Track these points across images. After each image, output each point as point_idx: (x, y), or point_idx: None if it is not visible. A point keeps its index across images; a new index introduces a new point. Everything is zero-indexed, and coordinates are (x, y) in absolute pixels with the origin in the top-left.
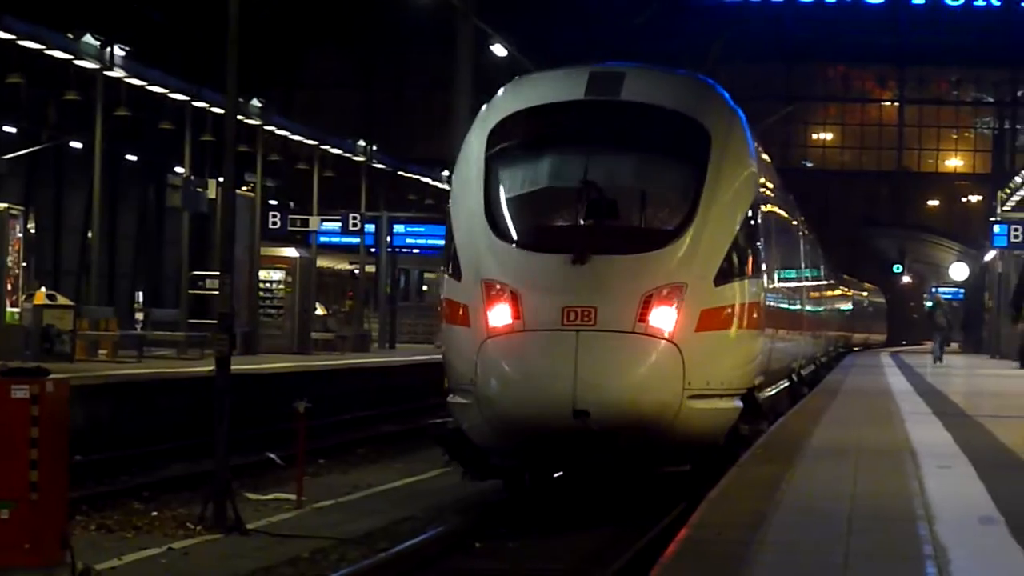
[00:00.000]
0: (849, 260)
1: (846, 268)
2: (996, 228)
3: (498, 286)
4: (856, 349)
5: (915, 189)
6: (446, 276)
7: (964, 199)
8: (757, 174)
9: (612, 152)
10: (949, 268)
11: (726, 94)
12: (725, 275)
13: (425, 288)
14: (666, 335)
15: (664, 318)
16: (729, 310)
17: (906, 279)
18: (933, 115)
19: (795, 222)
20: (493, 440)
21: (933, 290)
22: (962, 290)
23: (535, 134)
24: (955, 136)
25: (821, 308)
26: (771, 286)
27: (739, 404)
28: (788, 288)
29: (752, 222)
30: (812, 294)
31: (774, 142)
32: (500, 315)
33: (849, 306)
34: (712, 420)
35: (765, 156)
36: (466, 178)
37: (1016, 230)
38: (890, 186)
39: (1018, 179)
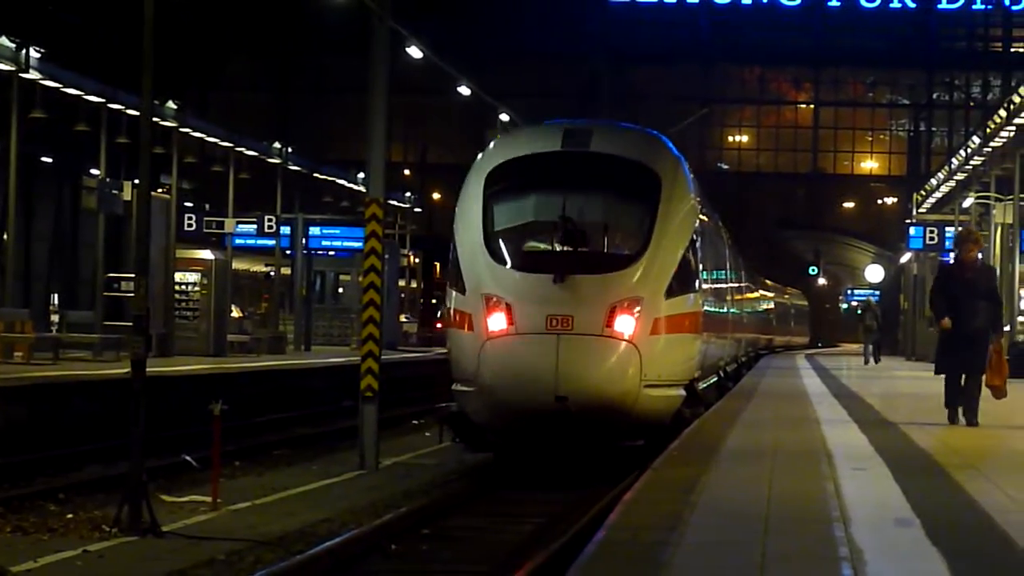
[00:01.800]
0: (766, 262)
1: (763, 270)
2: (911, 230)
3: (495, 299)
4: (778, 350)
5: (831, 191)
6: (452, 291)
7: (880, 201)
8: (696, 208)
9: (584, 193)
10: (865, 270)
11: (671, 144)
12: (672, 290)
13: (341, 290)
14: (627, 337)
15: (626, 324)
16: (676, 318)
17: (822, 281)
18: (849, 117)
19: (723, 239)
20: (490, 420)
21: (849, 292)
22: (878, 292)
23: (523, 178)
24: (870, 138)
25: (745, 313)
26: (707, 298)
27: (683, 392)
28: (719, 298)
29: (693, 247)
30: (738, 301)
31: (690, 145)
32: (497, 322)
33: (770, 309)
34: (662, 405)
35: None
36: (468, 213)
37: (931, 232)
38: (806, 188)
39: (933, 181)
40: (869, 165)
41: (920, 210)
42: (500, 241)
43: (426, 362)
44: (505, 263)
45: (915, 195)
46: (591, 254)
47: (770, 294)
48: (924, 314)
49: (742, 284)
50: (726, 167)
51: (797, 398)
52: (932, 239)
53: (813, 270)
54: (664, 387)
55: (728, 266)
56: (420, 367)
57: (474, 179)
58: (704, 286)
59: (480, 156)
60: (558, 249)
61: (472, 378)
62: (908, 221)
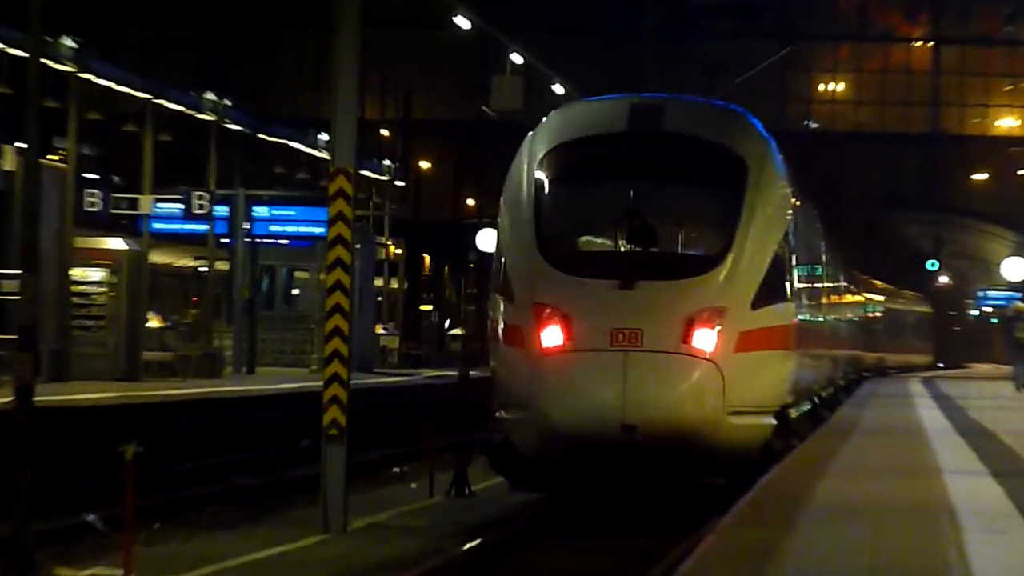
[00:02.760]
0: (867, 252)
1: (863, 264)
2: None
3: (550, 309)
4: (891, 372)
5: (956, 159)
6: (499, 299)
7: (1020, 171)
8: (789, 199)
9: (655, 182)
10: (1000, 265)
11: (759, 123)
12: (761, 299)
13: (296, 292)
14: (707, 355)
15: (705, 340)
16: (765, 332)
17: (943, 279)
18: (980, 59)
19: (818, 232)
20: (544, 452)
21: (981, 294)
22: (1017, 294)
23: (582, 164)
24: (1009, 87)
25: (847, 324)
26: (801, 308)
27: (773, 421)
28: (816, 307)
29: (785, 248)
30: (837, 309)
31: (766, 97)
32: (553, 336)
33: (878, 318)
34: (748, 435)
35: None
36: (517, 205)
37: None
38: (922, 154)
39: None
40: (1007, 124)
41: None
42: (556, 241)
43: (412, 389)
44: (562, 267)
45: None
46: (664, 256)
47: (878, 298)
48: None
49: (843, 287)
50: (815, 126)
51: (910, 436)
52: None
53: (932, 264)
54: (751, 414)
55: (826, 265)
56: (404, 396)
57: (524, 165)
58: (799, 293)
59: (530, 136)
60: (625, 250)
61: (522, 402)
62: None
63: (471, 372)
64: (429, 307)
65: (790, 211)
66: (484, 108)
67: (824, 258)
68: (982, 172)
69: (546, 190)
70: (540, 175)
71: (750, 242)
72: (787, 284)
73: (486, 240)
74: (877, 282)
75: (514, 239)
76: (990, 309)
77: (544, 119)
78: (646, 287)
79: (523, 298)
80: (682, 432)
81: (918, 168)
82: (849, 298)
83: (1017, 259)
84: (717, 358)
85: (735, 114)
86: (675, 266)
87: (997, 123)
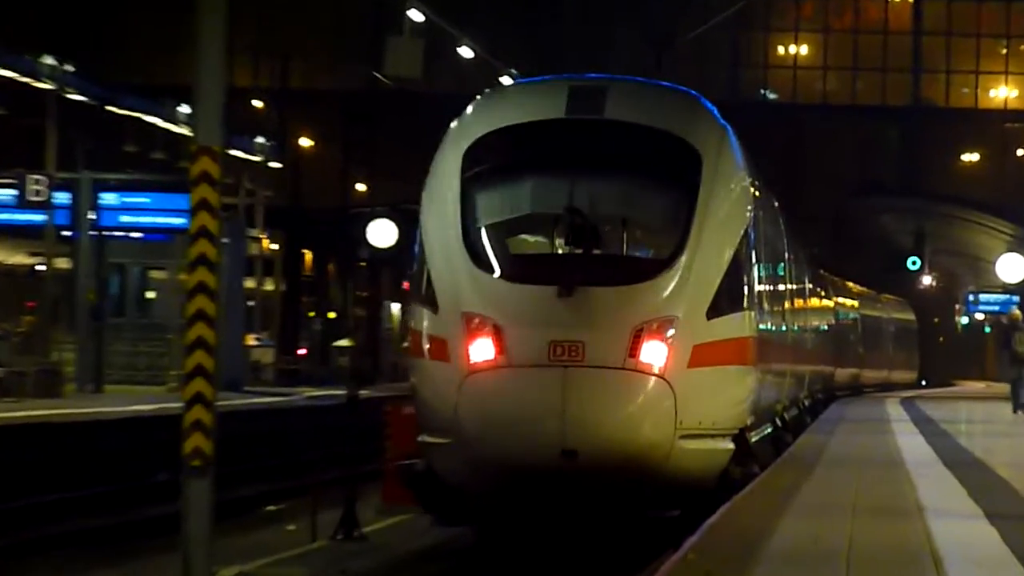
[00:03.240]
0: (836, 248)
1: (832, 262)
2: None
3: (479, 319)
4: (868, 391)
5: (941, 136)
6: (419, 307)
7: (1019, 151)
8: (749, 194)
9: (598, 176)
10: (996, 262)
11: (714, 109)
12: (718, 308)
13: (152, 295)
14: (657, 371)
15: (655, 353)
16: (722, 345)
17: (927, 280)
18: (969, 16)
19: (781, 229)
20: (472, 482)
21: (971, 298)
22: (1015, 297)
23: (514, 156)
24: (1004, 50)
25: (814, 335)
26: (762, 317)
27: (731, 445)
28: (779, 316)
29: (745, 249)
30: (803, 317)
31: (714, 61)
32: (482, 350)
33: (852, 326)
34: (704, 461)
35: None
36: (441, 202)
37: None
38: (902, 131)
39: None
40: (1003, 94)
41: None
42: (485, 241)
43: (291, 412)
44: (492, 271)
45: None
46: (608, 259)
47: (851, 303)
48: None
49: (810, 291)
50: (773, 96)
51: (886, 468)
52: None
53: (913, 263)
54: (707, 437)
55: (790, 267)
56: (281, 420)
57: (448, 156)
58: (760, 301)
59: (455, 124)
60: (564, 252)
61: (447, 426)
62: None
63: (361, 391)
64: (312, 313)
65: (750, 207)
66: (377, 75)
67: (788, 259)
68: (973, 152)
69: (474, 185)
70: (467, 168)
71: (705, 243)
72: (747, 290)
73: (380, 232)
74: (852, 285)
75: (438, 240)
76: (982, 316)
77: (471, 104)
78: (588, 294)
79: (448, 307)
80: (629, 458)
81: (897, 147)
82: (817, 304)
83: (1015, 256)
84: (668, 374)
85: (688, 98)
86: (621, 270)
87: (991, 93)
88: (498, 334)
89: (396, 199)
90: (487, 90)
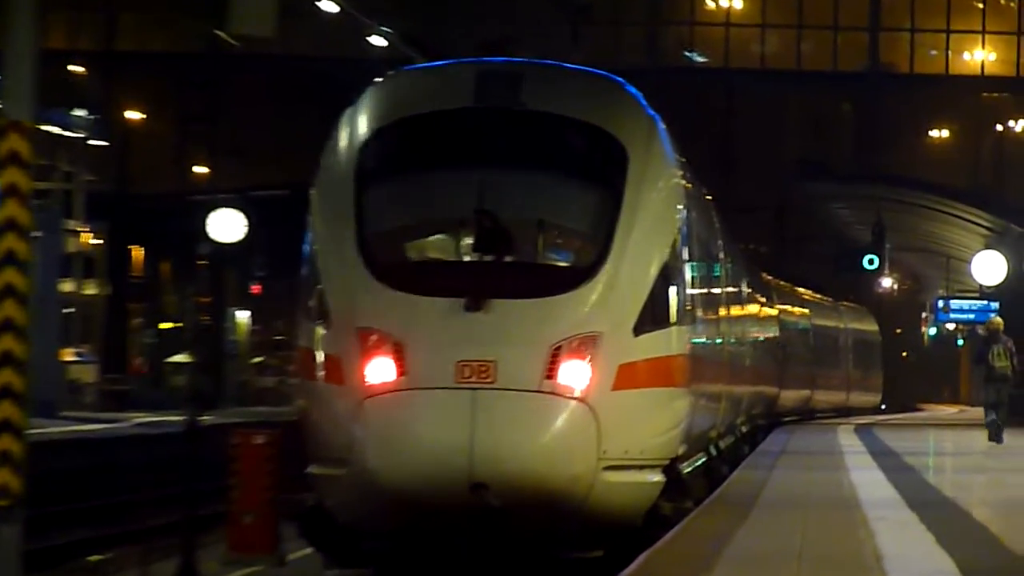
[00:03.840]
0: (776, 242)
1: (770, 259)
2: None
3: (378, 335)
4: (820, 416)
5: (904, 108)
6: (308, 322)
7: (999, 127)
8: (680, 193)
9: (511, 173)
10: (971, 262)
11: (641, 97)
12: (646, 323)
13: None
14: (578, 394)
15: (575, 374)
16: (650, 365)
17: (887, 283)
18: None
19: (718, 238)
20: (368, 519)
21: (941, 304)
22: (994, 303)
23: (417, 151)
24: (981, 4)
25: (753, 354)
26: (696, 333)
27: (661, 478)
28: (714, 333)
29: (676, 256)
30: (742, 336)
31: (634, 15)
32: (381, 371)
33: (804, 339)
34: (630, 496)
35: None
36: (334, 204)
37: None
38: (858, 102)
39: None
40: (978, 57)
41: None
42: (383, 248)
43: (117, 442)
44: (392, 282)
45: None
46: (523, 267)
47: (800, 312)
48: None
49: (750, 300)
50: (701, 60)
51: (838, 511)
52: None
53: (871, 261)
54: (634, 469)
55: (726, 273)
56: (105, 452)
57: (342, 151)
58: (694, 314)
59: (348, 113)
60: (473, 260)
61: (341, 456)
62: None
63: (202, 417)
64: (141, 322)
65: (681, 209)
66: (220, 34)
67: (724, 264)
68: (943, 128)
69: (371, 184)
70: (363, 165)
71: (632, 250)
72: (679, 303)
73: (224, 225)
74: (803, 291)
75: (330, 246)
76: (954, 326)
77: (367, 91)
78: (500, 307)
79: (342, 322)
80: (546, 492)
81: (850, 122)
82: (760, 315)
83: (993, 254)
84: (590, 398)
85: (613, 86)
86: (537, 280)
87: (964, 56)
88: (399, 353)
89: (244, 184)
90: (389, 72)
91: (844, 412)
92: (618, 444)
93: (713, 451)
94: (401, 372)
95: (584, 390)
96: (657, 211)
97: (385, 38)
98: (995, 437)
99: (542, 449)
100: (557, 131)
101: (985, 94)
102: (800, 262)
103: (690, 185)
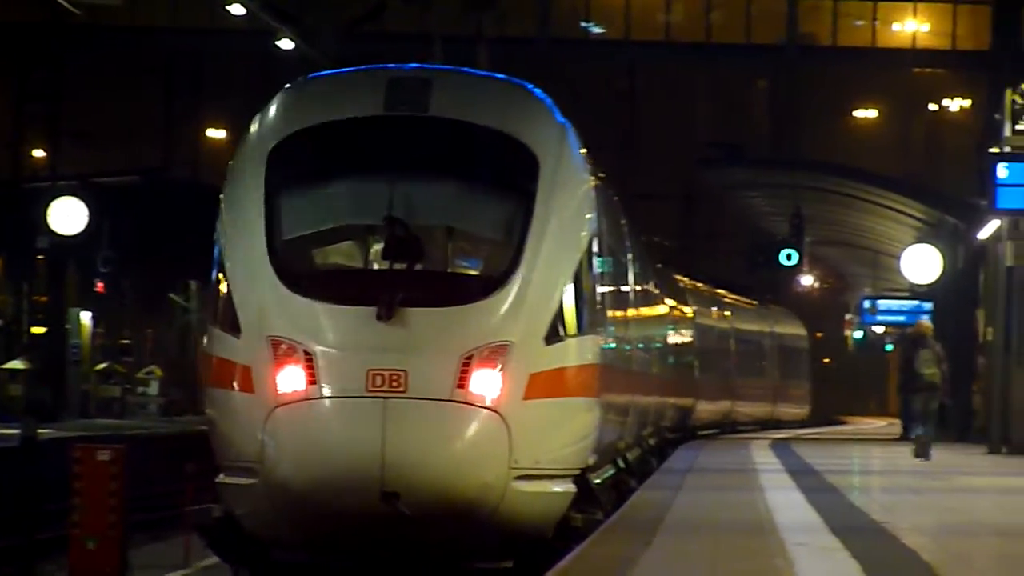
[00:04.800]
0: (684, 235)
1: (677, 254)
2: (1002, 169)
3: (287, 344)
4: (743, 428)
5: (827, 85)
6: (216, 330)
7: (932, 107)
8: (591, 202)
9: (421, 181)
10: (901, 257)
11: (551, 104)
12: (558, 331)
13: None
14: (489, 403)
15: (487, 384)
16: (562, 374)
17: (808, 281)
18: None
19: (625, 239)
20: (278, 529)
21: (867, 306)
22: (927, 304)
23: (326, 159)
24: None
25: (667, 362)
26: (608, 341)
27: (572, 488)
28: (624, 341)
29: (587, 264)
30: (653, 343)
31: None
32: (291, 379)
33: (723, 348)
34: (541, 506)
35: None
36: (241, 211)
37: None
38: (772, 78)
39: None
40: (909, 29)
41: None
42: (294, 256)
43: None
44: (302, 290)
45: (1011, 94)
46: (433, 276)
47: (718, 316)
48: None
49: (663, 304)
50: (598, 31)
51: (751, 536)
52: None
53: (788, 256)
54: (545, 479)
55: (637, 278)
56: None
57: (250, 158)
58: (605, 322)
59: (258, 119)
60: (383, 268)
61: (251, 465)
62: (993, 150)
63: (40, 430)
64: None
65: (592, 216)
66: (62, 1)
67: (634, 269)
68: (869, 107)
69: (281, 191)
70: (272, 171)
71: (543, 258)
72: (590, 311)
73: (65, 215)
74: (724, 294)
75: (239, 253)
76: (882, 329)
77: (277, 96)
78: (411, 316)
79: (252, 330)
80: (457, 501)
81: (765, 101)
82: (674, 319)
83: (927, 248)
84: (501, 407)
85: (523, 93)
86: (448, 289)
87: (893, 27)
88: (309, 362)
89: (87, 170)
90: (298, 79)
91: (768, 423)
92: (529, 453)
93: (621, 463)
94: (312, 381)
95: (495, 399)
96: (568, 219)
97: (244, 6)
98: (922, 453)
99: (453, 458)
100: (467, 138)
101: (917, 70)
102: (711, 257)
103: (600, 191)
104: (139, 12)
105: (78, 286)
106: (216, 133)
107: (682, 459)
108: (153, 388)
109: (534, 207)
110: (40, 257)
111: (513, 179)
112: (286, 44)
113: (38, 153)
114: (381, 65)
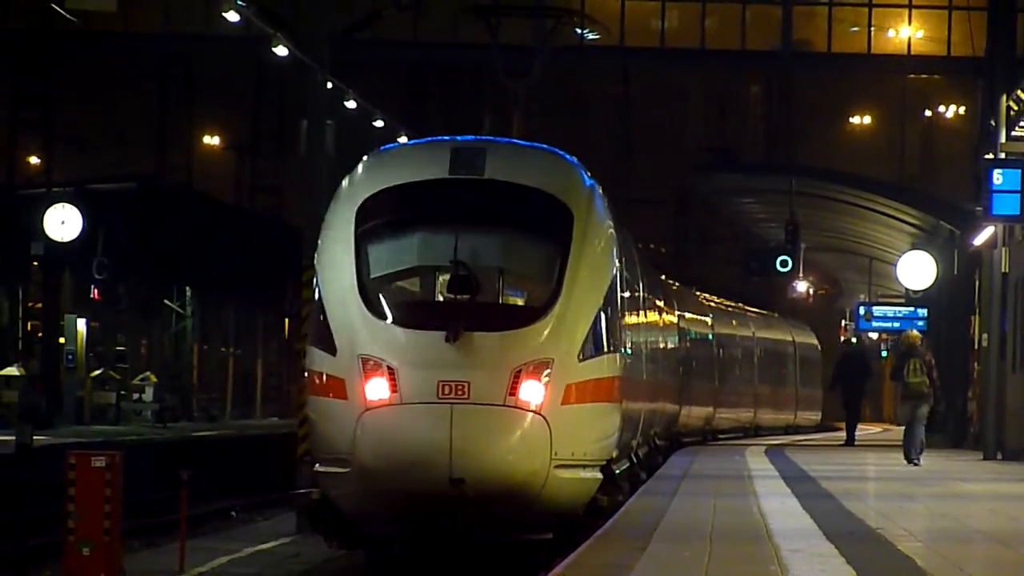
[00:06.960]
0: (677, 240)
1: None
2: (997, 176)
3: (374, 361)
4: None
5: (823, 92)
6: (316, 350)
7: (927, 113)
8: (614, 247)
9: (479, 231)
10: (896, 264)
11: (583, 169)
12: (588, 350)
13: None
14: (534, 408)
15: (533, 392)
16: (592, 384)
17: (802, 287)
18: None
19: (636, 267)
20: (365, 508)
21: (862, 311)
22: (921, 310)
23: (403, 212)
24: None
25: (681, 375)
26: (628, 358)
27: (600, 475)
28: (639, 356)
29: (611, 296)
30: (667, 357)
31: None
32: (377, 389)
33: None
34: (576, 489)
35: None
36: (336, 255)
37: None
38: (767, 84)
39: None
40: (905, 35)
41: (1019, 131)
42: (378, 291)
43: None
44: (386, 318)
45: (1006, 100)
46: (490, 307)
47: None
48: None
49: (676, 324)
50: (593, 37)
51: (746, 543)
52: None
53: (784, 263)
54: (578, 468)
55: (649, 305)
56: None
57: (342, 212)
58: (625, 342)
59: (346, 182)
60: (450, 300)
61: (344, 457)
62: (988, 156)
63: (35, 437)
64: None
65: (614, 258)
66: (56, 7)
67: (645, 296)
68: (864, 114)
69: (367, 238)
70: (360, 222)
71: (576, 293)
72: (613, 334)
73: (60, 222)
74: (749, 308)
75: (335, 288)
76: (877, 335)
77: (361, 164)
78: (473, 338)
79: (346, 350)
80: (509, 485)
81: (760, 107)
82: (687, 327)
83: (921, 255)
84: (544, 410)
85: (559, 158)
86: (502, 317)
87: (889, 34)
88: (392, 375)
89: (82, 177)
90: (378, 149)
91: (791, 430)
92: (566, 447)
93: (634, 458)
94: (394, 390)
95: (539, 404)
96: (596, 261)
97: (239, 13)
98: (912, 459)
99: (506, 451)
100: (515, 196)
101: (912, 76)
102: (705, 263)
103: (620, 235)
104: (133, 18)
105: (73, 292)
106: (210, 139)
107: (675, 465)
108: (148, 394)
109: (569, 251)
110: (35, 263)
111: (552, 229)
112: (280, 51)
113: (32, 159)
114: (447, 137)
